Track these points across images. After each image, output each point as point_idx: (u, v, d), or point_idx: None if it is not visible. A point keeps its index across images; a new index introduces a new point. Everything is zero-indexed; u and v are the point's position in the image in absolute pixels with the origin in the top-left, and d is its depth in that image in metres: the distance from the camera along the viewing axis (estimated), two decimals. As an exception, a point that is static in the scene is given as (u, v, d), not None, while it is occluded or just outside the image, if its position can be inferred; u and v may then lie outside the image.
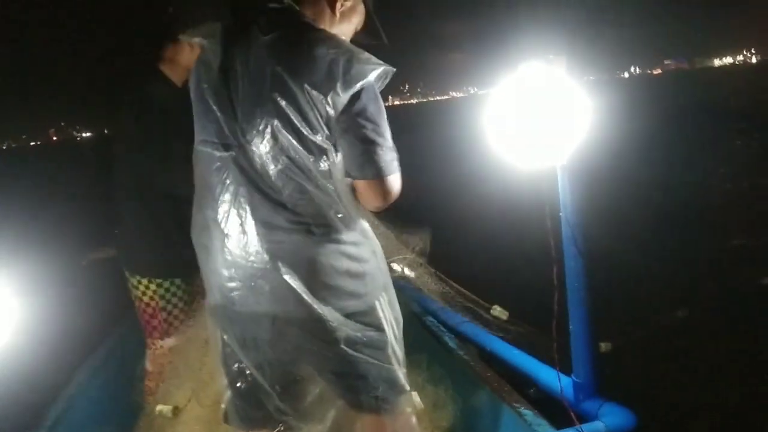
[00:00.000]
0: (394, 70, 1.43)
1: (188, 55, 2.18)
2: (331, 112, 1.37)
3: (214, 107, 1.44)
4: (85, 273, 3.70)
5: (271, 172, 1.39)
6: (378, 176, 1.42)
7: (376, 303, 1.51)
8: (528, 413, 1.77)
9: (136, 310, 2.30)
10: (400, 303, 1.67)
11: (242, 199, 1.43)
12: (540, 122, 1.47)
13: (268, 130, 1.38)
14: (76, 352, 2.66)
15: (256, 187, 1.42)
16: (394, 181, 1.45)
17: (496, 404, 1.92)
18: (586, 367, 1.63)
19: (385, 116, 1.44)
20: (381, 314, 1.52)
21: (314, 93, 1.35)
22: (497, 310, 2.37)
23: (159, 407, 2.07)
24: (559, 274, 1.61)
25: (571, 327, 1.62)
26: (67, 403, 2.09)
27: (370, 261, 1.50)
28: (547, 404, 1.81)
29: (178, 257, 2.12)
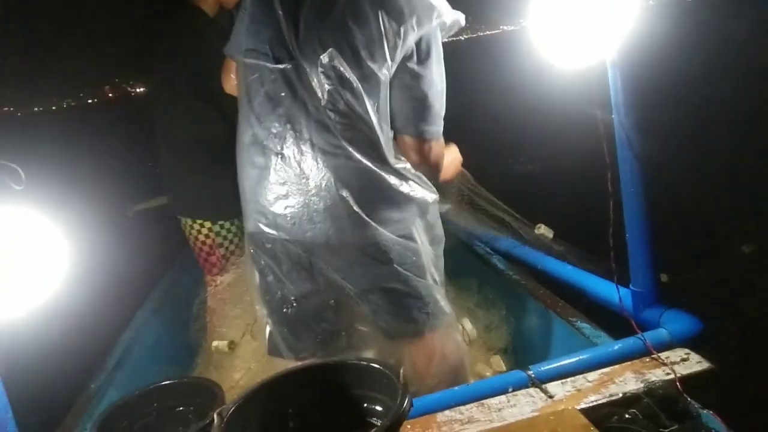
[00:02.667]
0: (464, 23, 1.42)
1: None
2: (400, 45, 1.33)
3: (279, 12, 1.38)
4: (132, 223, 3.76)
5: (321, 93, 1.35)
6: (419, 136, 1.42)
7: (413, 228, 1.51)
8: (585, 326, 1.74)
9: (193, 249, 2.34)
10: (446, 231, 1.65)
11: (294, 117, 1.40)
12: (585, 14, 1.36)
13: (329, 48, 1.33)
14: (130, 297, 2.72)
15: (307, 106, 1.39)
16: (434, 149, 1.45)
17: (552, 320, 1.89)
18: (645, 275, 1.55)
19: (444, 77, 1.42)
20: (418, 239, 1.52)
21: (389, 20, 1.31)
22: (542, 228, 2.31)
23: (215, 343, 2.13)
24: (612, 181, 1.53)
25: (627, 234, 1.54)
26: (126, 346, 2.15)
27: (409, 189, 1.48)
28: (604, 317, 1.77)
29: (231, 199, 2.14)
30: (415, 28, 1.32)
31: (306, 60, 1.36)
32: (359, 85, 1.34)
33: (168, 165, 2.29)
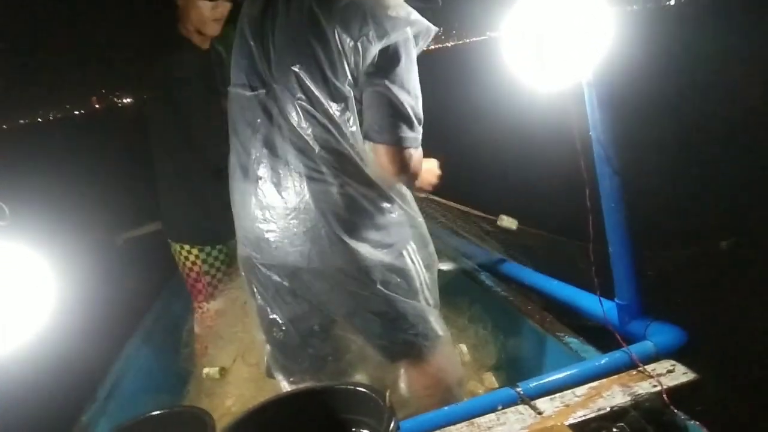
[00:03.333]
0: (437, 30, 1.40)
1: (200, 13, 2.11)
2: (359, 60, 1.33)
3: (252, 43, 1.43)
4: (121, 251, 3.75)
5: (294, 116, 1.37)
6: (397, 144, 1.38)
7: (404, 252, 1.50)
8: (573, 341, 1.75)
9: (182, 275, 2.35)
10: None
11: (272, 141, 1.41)
12: (560, 38, 1.39)
13: (296, 71, 1.35)
14: (120, 326, 2.71)
15: (282, 131, 1.40)
16: (413, 156, 1.42)
17: (541, 336, 1.90)
18: (629, 288, 1.58)
19: (418, 84, 1.40)
20: (410, 263, 1.51)
21: (344, 36, 1.32)
22: (504, 220, 2.27)
23: (206, 370, 2.12)
24: (591, 197, 1.55)
25: (610, 249, 1.56)
26: (117, 376, 2.14)
27: (393, 212, 1.48)
28: (592, 331, 1.78)
29: (218, 224, 2.15)
30: (373, 41, 1.32)
31: (279, 85, 1.38)
32: (330, 105, 1.35)
33: (160, 189, 2.31)
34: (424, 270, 1.56)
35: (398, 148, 1.39)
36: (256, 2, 1.45)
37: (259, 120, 1.42)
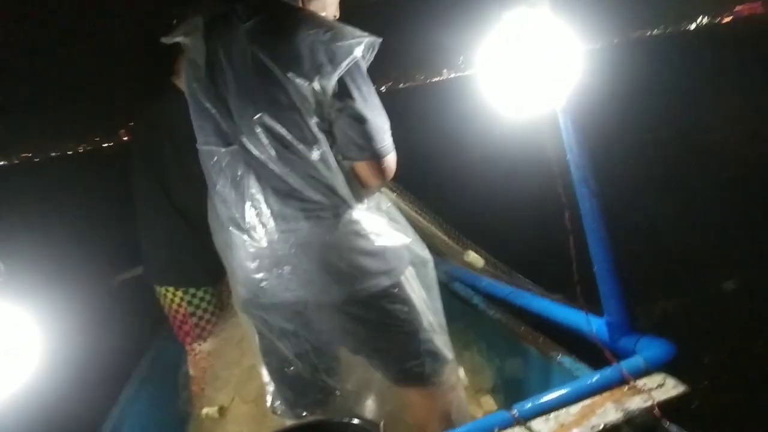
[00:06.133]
0: (380, 39, 1.41)
1: None
2: (321, 97, 1.35)
3: (207, 105, 1.44)
4: (117, 294, 3.75)
5: (272, 164, 1.40)
6: (376, 157, 1.42)
7: (402, 278, 1.50)
8: (566, 360, 1.77)
9: (168, 317, 2.35)
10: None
11: (253, 192, 1.43)
12: (533, 68, 1.44)
13: (261, 121, 1.38)
14: (120, 370, 2.70)
15: (264, 179, 1.43)
16: (392, 160, 1.46)
17: (534, 357, 1.92)
18: (617, 305, 1.60)
19: (374, 91, 1.42)
20: (408, 289, 1.51)
21: (299, 81, 1.34)
22: (471, 256, 2.28)
23: (205, 410, 2.12)
24: (571, 219, 1.59)
25: (595, 267, 1.59)
26: (117, 421, 2.13)
27: (388, 235, 1.49)
28: (583, 349, 1.80)
29: (201, 266, 2.17)
30: (328, 75, 1.33)
31: (249, 138, 1.40)
32: (301, 148, 1.37)
33: (141, 232, 2.32)
34: (424, 294, 1.56)
35: (378, 160, 1.42)
36: (197, 64, 1.45)
37: (239, 172, 1.44)
